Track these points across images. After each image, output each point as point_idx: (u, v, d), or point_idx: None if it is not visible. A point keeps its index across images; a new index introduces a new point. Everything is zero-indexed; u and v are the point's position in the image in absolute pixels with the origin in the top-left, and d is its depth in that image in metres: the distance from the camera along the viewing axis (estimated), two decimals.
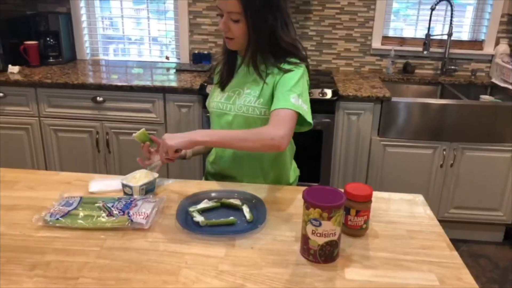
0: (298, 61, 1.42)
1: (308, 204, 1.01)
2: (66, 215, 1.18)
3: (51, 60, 2.92)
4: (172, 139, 1.30)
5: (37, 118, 2.61)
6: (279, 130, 1.28)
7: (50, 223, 1.16)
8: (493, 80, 2.86)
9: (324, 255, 1.03)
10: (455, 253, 1.10)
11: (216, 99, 1.51)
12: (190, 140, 1.29)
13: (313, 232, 1.02)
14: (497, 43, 2.94)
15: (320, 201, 1.00)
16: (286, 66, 1.41)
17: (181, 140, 1.29)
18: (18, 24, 2.86)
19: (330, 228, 1.01)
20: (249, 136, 1.30)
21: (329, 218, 1.00)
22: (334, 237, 1.02)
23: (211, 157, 1.60)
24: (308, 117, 1.36)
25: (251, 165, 1.51)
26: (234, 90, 1.48)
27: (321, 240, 1.02)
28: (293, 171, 1.63)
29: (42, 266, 1.00)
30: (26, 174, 1.48)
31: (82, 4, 3.06)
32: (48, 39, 2.89)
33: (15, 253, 1.05)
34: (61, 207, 1.21)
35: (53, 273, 0.98)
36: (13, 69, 2.67)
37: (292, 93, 1.35)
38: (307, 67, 1.44)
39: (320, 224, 1.00)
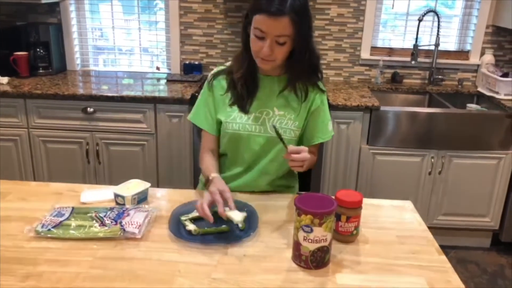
0: (321, 78, 1.50)
1: (299, 211, 1.03)
2: (58, 225, 1.18)
3: (41, 71, 2.91)
4: (307, 163, 1.31)
5: (26, 129, 2.60)
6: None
7: (42, 234, 1.16)
8: (479, 89, 2.91)
9: (316, 261, 1.05)
10: (444, 257, 1.13)
11: (240, 120, 1.45)
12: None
13: (305, 238, 1.03)
14: (482, 53, 3.01)
15: (312, 207, 1.02)
16: (322, 86, 1.50)
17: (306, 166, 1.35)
18: (8, 34, 2.86)
19: (321, 234, 1.02)
20: (312, 166, 1.49)
21: (320, 224, 1.01)
22: (326, 243, 1.04)
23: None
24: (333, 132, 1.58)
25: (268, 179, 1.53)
26: (261, 111, 1.45)
27: (313, 246, 1.03)
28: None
29: (35, 277, 1.00)
30: (17, 185, 1.47)
31: (72, 15, 3.07)
32: (38, 49, 2.89)
33: (8, 264, 1.05)
34: (53, 218, 1.21)
35: (46, 284, 0.98)
36: (2, 80, 2.66)
37: (329, 121, 1.54)
38: None
39: (312, 230, 1.02)
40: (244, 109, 1.45)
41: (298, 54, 1.36)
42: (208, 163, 1.46)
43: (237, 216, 1.19)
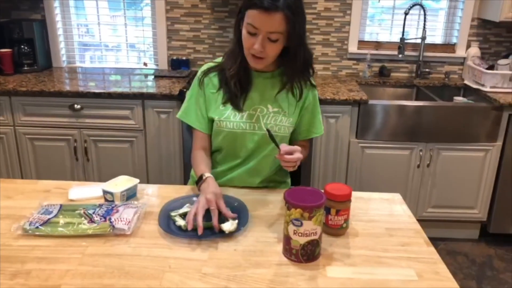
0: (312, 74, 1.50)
1: (289, 205, 1.03)
2: (46, 223, 1.17)
3: (26, 68, 2.87)
4: (299, 162, 1.29)
5: (12, 127, 2.56)
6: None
7: (30, 231, 1.14)
8: (466, 82, 2.94)
9: (306, 254, 1.05)
10: (432, 248, 1.14)
11: (234, 118, 1.43)
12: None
13: (295, 232, 1.03)
14: (468, 46, 3.04)
15: (301, 201, 1.02)
16: (314, 81, 1.51)
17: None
18: None
19: (311, 227, 1.03)
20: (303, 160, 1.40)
21: (310, 218, 1.01)
22: (315, 236, 1.04)
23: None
24: None
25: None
26: (255, 108, 1.44)
27: (303, 240, 1.03)
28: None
29: (23, 275, 0.99)
30: (3, 183, 1.45)
31: (57, 11, 3.03)
32: (22, 46, 2.84)
33: None
34: (40, 216, 1.19)
35: (34, 282, 0.97)
36: None
37: (320, 116, 1.55)
38: None
39: (302, 224, 1.02)
40: (237, 107, 1.43)
41: (293, 53, 1.35)
42: (201, 161, 1.44)
43: (227, 226, 1.16)
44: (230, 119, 1.43)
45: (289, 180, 1.67)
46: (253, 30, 1.28)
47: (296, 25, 1.29)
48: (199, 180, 1.33)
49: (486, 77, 2.71)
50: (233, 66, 1.41)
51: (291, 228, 1.04)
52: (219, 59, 1.51)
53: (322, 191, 1.11)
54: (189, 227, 1.15)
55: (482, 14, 2.92)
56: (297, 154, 1.24)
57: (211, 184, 1.28)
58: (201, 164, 1.42)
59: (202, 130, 1.48)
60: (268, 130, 1.27)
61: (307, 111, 1.51)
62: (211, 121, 1.47)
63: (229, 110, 1.43)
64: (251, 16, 1.27)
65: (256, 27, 1.27)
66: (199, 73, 1.50)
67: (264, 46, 1.30)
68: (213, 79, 1.47)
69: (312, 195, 1.06)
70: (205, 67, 1.51)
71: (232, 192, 1.38)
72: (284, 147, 1.25)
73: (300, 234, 1.03)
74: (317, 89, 1.55)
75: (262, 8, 1.24)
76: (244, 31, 1.32)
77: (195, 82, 1.50)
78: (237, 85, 1.42)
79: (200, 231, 1.12)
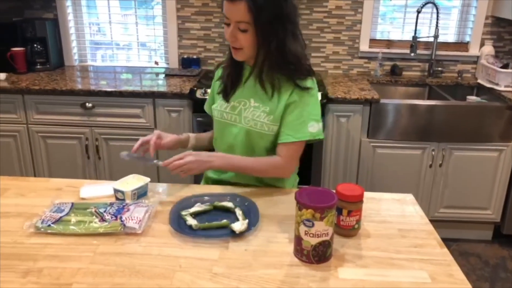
0: (307, 75, 1.39)
1: (300, 205, 1.02)
2: (58, 221, 1.17)
3: (39, 67, 2.90)
4: (195, 164, 1.34)
5: (25, 125, 2.59)
6: (292, 167, 1.45)
7: (42, 229, 1.15)
8: (479, 80, 2.90)
9: (317, 255, 1.04)
10: (446, 250, 1.12)
11: (220, 107, 1.49)
12: (209, 168, 1.42)
13: (306, 232, 1.02)
14: (482, 45, 2.99)
15: (312, 202, 1.01)
16: (303, 83, 1.37)
17: (202, 168, 1.38)
18: (5, 30, 2.84)
19: (322, 228, 1.02)
20: (264, 170, 1.42)
21: (321, 219, 1.00)
22: (327, 237, 1.03)
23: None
24: (322, 136, 1.42)
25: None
26: (239, 100, 1.45)
27: (314, 241, 1.03)
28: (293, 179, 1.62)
29: (35, 273, 1.00)
30: (16, 181, 1.46)
31: (69, 10, 3.05)
32: (35, 45, 2.87)
33: (7, 260, 1.04)
34: (52, 214, 1.20)
35: (46, 280, 0.98)
36: (0, 76, 2.65)
37: (311, 121, 1.38)
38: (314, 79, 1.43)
39: (313, 225, 1.01)
40: (225, 97, 1.48)
41: (261, 43, 1.32)
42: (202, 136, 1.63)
43: (237, 226, 1.16)
44: (217, 108, 1.50)
45: (287, 181, 1.57)
46: (226, 20, 1.33)
47: (262, 15, 1.27)
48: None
49: (500, 76, 2.67)
50: (227, 59, 1.48)
51: (302, 228, 1.03)
52: None
53: (334, 191, 1.10)
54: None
55: (496, 12, 2.88)
56: (187, 158, 1.32)
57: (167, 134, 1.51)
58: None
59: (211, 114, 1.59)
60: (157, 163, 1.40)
61: (288, 109, 1.39)
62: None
63: (220, 99, 1.50)
64: (223, 6, 1.32)
65: (227, 17, 1.31)
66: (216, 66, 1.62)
67: (236, 36, 1.32)
68: (219, 72, 1.56)
69: (323, 195, 1.05)
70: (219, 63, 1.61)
71: (242, 192, 1.37)
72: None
73: (311, 235, 1.02)
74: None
75: None
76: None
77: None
78: (229, 77, 1.47)
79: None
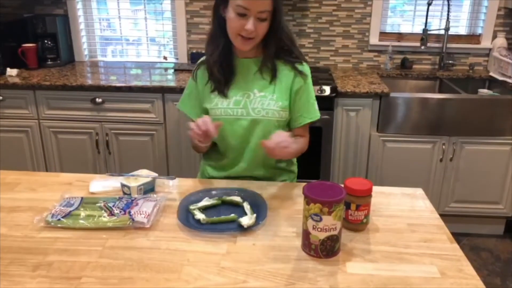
0: (303, 59, 1.47)
1: (308, 200, 1.02)
2: (67, 215, 1.18)
3: (49, 63, 2.92)
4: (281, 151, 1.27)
5: (36, 121, 2.61)
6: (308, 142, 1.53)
7: (52, 223, 1.16)
8: (491, 73, 2.86)
9: (325, 249, 1.04)
10: (456, 245, 1.11)
11: (221, 105, 1.44)
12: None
13: (314, 227, 1.02)
14: (494, 37, 2.95)
15: (321, 196, 1.00)
16: (302, 68, 1.46)
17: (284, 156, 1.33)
18: (16, 27, 2.86)
19: (330, 223, 1.01)
20: (303, 148, 1.50)
21: (329, 213, 1.00)
22: (335, 231, 1.03)
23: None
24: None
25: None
26: (241, 94, 1.44)
27: (322, 235, 1.02)
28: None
29: (45, 267, 1.01)
30: (27, 176, 1.48)
31: (79, 5, 3.06)
32: (46, 41, 2.89)
33: (18, 254, 1.05)
34: (62, 208, 1.21)
35: (56, 273, 0.99)
36: (12, 72, 2.67)
37: (314, 102, 1.50)
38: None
39: (321, 219, 1.01)
40: (223, 93, 1.44)
41: (274, 30, 1.37)
42: None
43: (245, 220, 1.16)
44: (218, 106, 1.45)
45: (296, 170, 1.64)
46: (243, 11, 1.30)
47: (280, 3, 1.34)
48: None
49: None
50: (215, 51, 1.43)
51: (310, 223, 1.02)
52: None
53: (342, 185, 1.09)
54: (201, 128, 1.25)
55: (509, 3, 2.83)
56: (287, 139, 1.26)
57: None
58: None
59: (193, 116, 1.51)
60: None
61: (297, 95, 1.46)
62: (206, 111, 1.48)
63: (217, 98, 1.46)
64: None
65: (248, 8, 1.29)
66: (195, 65, 1.54)
67: (255, 26, 1.32)
68: (204, 72, 1.49)
69: (331, 189, 1.04)
70: (200, 60, 1.53)
71: (250, 186, 1.37)
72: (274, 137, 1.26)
73: (319, 229, 1.02)
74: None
75: None
76: (231, 14, 1.33)
77: (191, 75, 1.54)
78: (220, 70, 1.43)
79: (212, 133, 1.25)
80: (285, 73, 1.45)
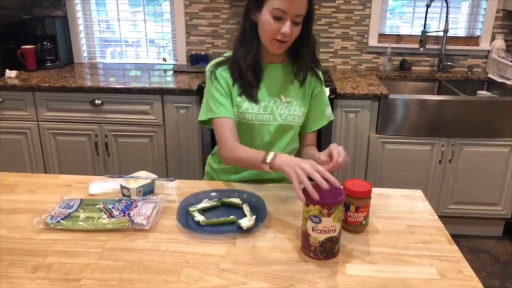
0: (319, 63, 1.52)
1: (308, 201, 1.02)
2: (67, 217, 1.18)
3: (49, 64, 2.92)
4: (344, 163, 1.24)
5: (35, 122, 2.61)
6: None
7: (51, 225, 1.16)
8: (490, 75, 2.87)
9: (325, 251, 1.04)
10: (455, 247, 1.11)
11: (252, 110, 1.42)
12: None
13: (313, 229, 1.02)
14: (493, 39, 2.96)
15: (320, 198, 1.00)
16: (320, 73, 1.51)
17: None
18: (15, 28, 2.86)
19: (330, 224, 1.01)
20: None
21: (329, 215, 1.00)
22: (334, 233, 1.03)
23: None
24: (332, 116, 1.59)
25: None
26: (269, 99, 1.44)
27: (322, 237, 1.02)
28: None
29: (44, 268, 1.01)
30: (26, 177, 1.48)
31: (78, 7, 3.07)
32: (45, 43, 2.89)
33: (17, 256, 1.05)
34: (61, 210, 1.21)
35: (55, 275, 0.98)
36: (11, 73, 2.67)
37: (327, 106, 1.54)
38: None
39: (320, 221, 1.01)
40: (254, 99, 1.42)
41: (307, 36, 1.38)
42: (249, 149, 1.35)
43: (244, 221, 1.15)
44: (249, 111, 1.42)
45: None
46: (281, 14, 1.30)
47: (313, 8, 1.35)
48: (263, 163, 1.22)
49: None
50: (248, 55, 1.40)
51: (310, 224, 1.03)
52: (228, 54, 1.49)
53: (342, 187, 1.10)
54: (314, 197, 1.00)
55: (508, 5, 2.84)
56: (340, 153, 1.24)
57: (289, 156, 1.20)
58: (252, 150, 1.33)
59: (233, 117, 1.42)
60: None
61: (315, 100, 1.51)
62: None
63: (246, 102, 1.42)
64: (279, 1, 1.28)
65: (285, 11, 1.29)
66: (209, 68, 1.48)
67: (291, 29, 1.32)
68: (223, 73, 1.43)
69: (331, 191, 1.04)
70: (212, 62, 1.49)
71: (249, 188, 1.37)
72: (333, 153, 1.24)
73: (319, 231, 1.02)
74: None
75: None
76: (267, 17, 1.32)
77: (209, 78, 1.46)
78: (253, 75, 1.41)
79: (316, 196, 1.00)
80: (308, 79, 1.48)
